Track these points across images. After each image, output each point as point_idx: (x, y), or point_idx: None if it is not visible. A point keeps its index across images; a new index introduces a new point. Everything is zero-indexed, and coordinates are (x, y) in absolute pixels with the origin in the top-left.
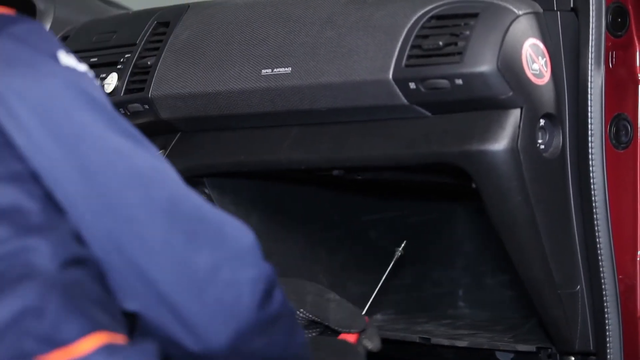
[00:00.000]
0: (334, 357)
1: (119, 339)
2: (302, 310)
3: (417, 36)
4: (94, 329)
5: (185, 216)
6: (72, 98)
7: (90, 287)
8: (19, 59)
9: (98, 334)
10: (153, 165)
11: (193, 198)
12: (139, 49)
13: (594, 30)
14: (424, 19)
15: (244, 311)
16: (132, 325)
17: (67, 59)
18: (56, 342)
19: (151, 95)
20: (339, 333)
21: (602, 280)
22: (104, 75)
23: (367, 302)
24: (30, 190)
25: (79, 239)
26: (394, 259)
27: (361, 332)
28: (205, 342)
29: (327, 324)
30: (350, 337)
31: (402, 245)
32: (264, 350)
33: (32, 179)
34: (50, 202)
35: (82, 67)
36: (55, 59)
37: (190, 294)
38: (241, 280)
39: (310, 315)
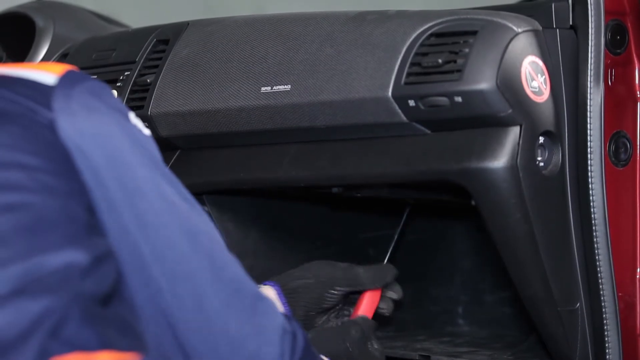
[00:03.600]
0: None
1: (130, 357)
2: (337, 287)
3: (416, 54)
4: (105, 346)
5: (226, 282)
6: (138, 154)
7: (110, 307)
8: (94, 109)
9: (108, 352)
10: (205, 229)
11: (235, 267)
12: (139, 67)
13: (593, 48)
14: (423, 37)
15: None
16: None
17: (135, 120)
18: (76, 346)
19: (150, 112)
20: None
21: (602, 298)
22: None
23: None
24: (78, 203)
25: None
26: (404, 215)
27: (383, 287)
28: None
29: (362, 289)
30: (376, 293)
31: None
32: None
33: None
34: (93, 225)
35: (147, 131)
36: (126, 117)
37: (213, 356)
38: (263, 356)
39: (347, 289)
